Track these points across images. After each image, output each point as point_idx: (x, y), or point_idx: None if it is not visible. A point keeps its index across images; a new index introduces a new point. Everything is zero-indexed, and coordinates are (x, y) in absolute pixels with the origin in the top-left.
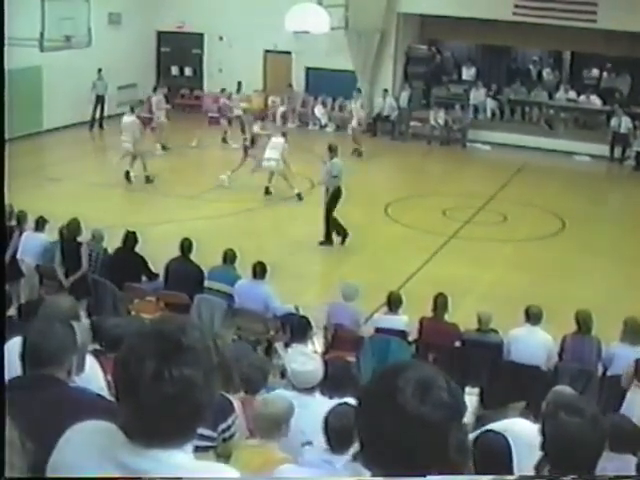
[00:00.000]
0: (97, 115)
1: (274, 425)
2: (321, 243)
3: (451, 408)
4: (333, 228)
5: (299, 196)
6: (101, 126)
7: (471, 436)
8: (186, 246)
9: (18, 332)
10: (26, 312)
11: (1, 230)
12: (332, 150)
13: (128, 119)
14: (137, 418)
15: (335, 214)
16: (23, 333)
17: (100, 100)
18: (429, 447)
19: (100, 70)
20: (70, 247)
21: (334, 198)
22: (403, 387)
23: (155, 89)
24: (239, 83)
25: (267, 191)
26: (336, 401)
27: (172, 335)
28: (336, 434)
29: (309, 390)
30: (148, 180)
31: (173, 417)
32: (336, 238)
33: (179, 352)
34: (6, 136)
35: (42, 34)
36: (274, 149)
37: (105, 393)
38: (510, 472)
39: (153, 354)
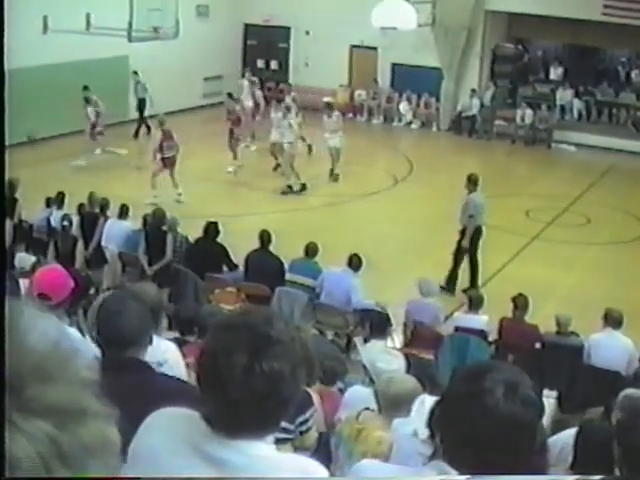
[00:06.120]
0: (142, 120)
1: (396, 403)
2: (442, 288)
3: (539, 406)
4: (473, 272)
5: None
6: (148, 128)
7: None
8: (265, 238)
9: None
10: None
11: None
12: (470, 181)
13: (280, 115)
14: (223, 410)
15: (478, 259)
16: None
17: (142, 103)
18: (518, 446)
19: (136, 72)
20: (155, 235)
21: (471, 240)
22: (492, 388)
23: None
24: None
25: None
26: None
27: (260, 328)
28: None
29: None
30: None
31: (260, 410)
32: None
33: (268, 345)
34: (81, 126)
35: (130, 24)
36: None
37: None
38: None
39: (242, 348)
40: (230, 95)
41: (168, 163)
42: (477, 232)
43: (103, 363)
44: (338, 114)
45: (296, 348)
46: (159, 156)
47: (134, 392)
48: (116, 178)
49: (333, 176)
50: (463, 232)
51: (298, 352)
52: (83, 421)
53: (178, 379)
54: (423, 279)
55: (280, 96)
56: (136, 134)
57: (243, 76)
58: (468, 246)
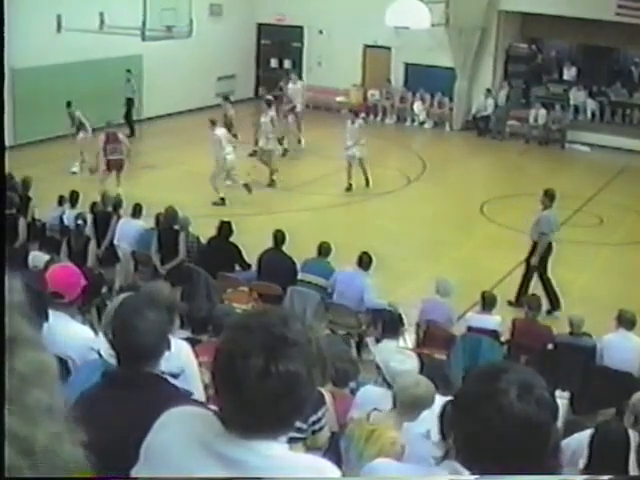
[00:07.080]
0: (131, 120)
1: (415, 405)
2: (510, 303)
3: (554, 408)
4: (548, 291)
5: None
6: (132, 131)
7: None
8: (279, 238)
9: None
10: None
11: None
12: (547, 196)
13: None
14: (238, 410)
15: (549, 276)
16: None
17: (130, 103)
18: (532, 447)
19: (129, 71)
20: (167, 234)
21: (541, 257)
22: (507, 388)
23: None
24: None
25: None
26: None
27: (277, 329)
28: None
29: None
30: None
31: (276, 412)
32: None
33: (285, 347)
34: (96, 125)
35: (144, 24)
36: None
37: (199, 381)
38: None
39: (259, 349)
40: (226, 98)
41: (113, 166)
42: (547, 249)
43: (118, 378)
44: (361, 122)
45: (312, 349)
46: (104, 159)
47: (148, 409)
48: (124, 178)
49: (366, 182)
50: (533, 248)
51: (314, 353)
52: (15, 350)
53: (193, 398)
54: (441, 278)
55: (271, 99)
56: (132, 133)
57: (258, 77)
58: (537, 264)
